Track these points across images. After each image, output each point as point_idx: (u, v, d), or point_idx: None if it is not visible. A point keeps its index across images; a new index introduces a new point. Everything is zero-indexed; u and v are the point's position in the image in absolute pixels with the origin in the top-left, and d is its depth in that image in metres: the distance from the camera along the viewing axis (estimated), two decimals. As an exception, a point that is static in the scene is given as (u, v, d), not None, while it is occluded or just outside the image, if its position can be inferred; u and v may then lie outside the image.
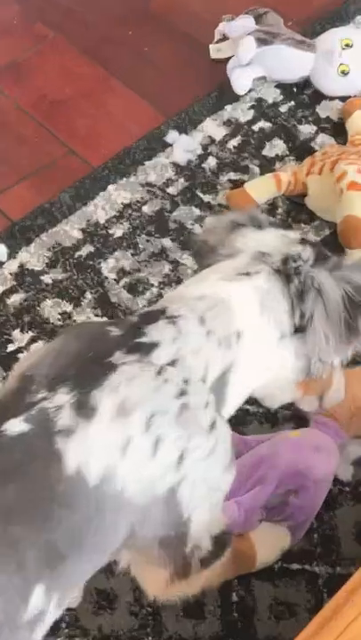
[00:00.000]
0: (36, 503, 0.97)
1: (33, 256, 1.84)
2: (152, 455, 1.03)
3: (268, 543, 1.43)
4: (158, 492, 1.04)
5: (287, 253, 1.16)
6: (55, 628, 1.38)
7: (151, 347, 1.08)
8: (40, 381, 1.04)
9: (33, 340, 1.72)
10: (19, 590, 0.96)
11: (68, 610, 1.40)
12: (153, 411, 1.03)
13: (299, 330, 1.15)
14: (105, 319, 1.73)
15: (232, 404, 1.16)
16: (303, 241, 1.20)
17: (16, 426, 1.00)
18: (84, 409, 1.01)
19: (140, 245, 1.86)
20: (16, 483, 0.98)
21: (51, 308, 1.76)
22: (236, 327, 1.12)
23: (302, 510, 1.46)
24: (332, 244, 1.83)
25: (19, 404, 1.02)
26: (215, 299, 1.12)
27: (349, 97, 2.07)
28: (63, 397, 1.02)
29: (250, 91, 2.11)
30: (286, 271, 1.14)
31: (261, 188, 1.89)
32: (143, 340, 1.08)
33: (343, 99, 2.08)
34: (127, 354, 1.06)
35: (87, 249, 1.85)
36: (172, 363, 1.07)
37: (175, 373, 1.06)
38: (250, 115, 2.08)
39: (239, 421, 1.57)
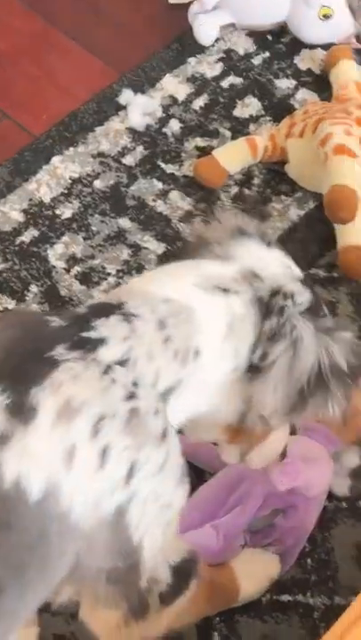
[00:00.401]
0: None
1: (-34, 244, 1.82)
2: (100, 467, 1.02)
3: (253, 573, 1.43)
4: (104, 514, 1.03)
5: (281, 287, 1.15)
6: None
7: (98, 342, 1.07)
8: None
9: (-31, 344, 1.69)
10: None
11: (21, 661, 1.40)
12: (101, 414, 1.03)
13: (251, 370, 1.14)
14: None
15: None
16: (305, 282, 1.19)
17: None
18: (21, 411, 1.01)
19: (94, 227, 1.84)
20: None
21: (-11, 305, 1.75)
22: (195, 344, 1.11)
23: (292, 532, 1.46)
24: (317, 219, 1.84)
25: None
26: (181, 306, 1.12)
27: (333, 44, 2.06)
28: None
29: (216, 41, 2.11)
30: (270, 305, 1.14)
31: (234, 156, 1.88)
32: (90, 334, 1.08)
33: (326, 47, 2.08)
34: (70, 350, 1.06)
35: (30, 233, 1.83)
36: (121, 363, 1.07)
37: (123, 373, 1.06)
38: (218, 69, 2.08)
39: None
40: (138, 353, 1.08)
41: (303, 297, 1.16)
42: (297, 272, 1.20)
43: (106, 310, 1.11)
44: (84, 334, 1.08)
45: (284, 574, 1.45)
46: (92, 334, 1.08)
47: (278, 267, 1.18)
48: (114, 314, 1.10)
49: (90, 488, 1.02)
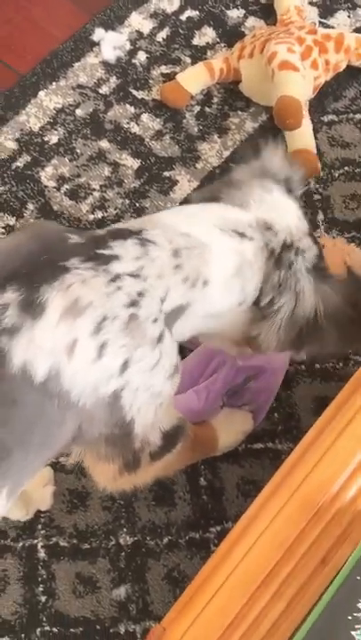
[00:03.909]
0: None
1: (-31, 172, 1.82)
2: (97, 358, 1.03)
3: (230, 428, 1.47)
4: (102, 396, 1.05)
5: (293, 242, 1.15)
6: (32, 530, 1.44)
7: (111, 258, 1.06)
8: None
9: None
10: None
11: (42, 512, 1.45)
12: (104, 315, 1.03)
13: (259, 311, 1.16)
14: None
15: (177, 336, 1.16)
16: (313, 235, 1.18)
17: None
18: (31, 306, 1.01)
19: (78, 150, 1.84)
20: None
21: (-7, 223, 1.76)
22: (205, 275, 1.11)
23: (262, 393, 1.50)
24: (269, 129, 1.83)
25: None
26: (198, 241, 1.11)
27: (276, -25, 2.03)
28: (11, 295, 1.01)
29: (175, -22, 2.07)
30: (281, 258, 1.14)
31: (194, 79, 1.87)
32: (105, 251, 1.07)
33: (270, -21, 2.04)
34: (84, 262, 1.05)
35: (24, 159, 1.83)
36: (131, 275, 1.06)
37: (130, 283, 1.05)
38: (176, 4, 2.04)
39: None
40: (148, 272, 1.07)
41: (311, 252, 1.16)
42: (306, 224, 1.18)
43: (124, 234, 1.10)
44: (99, 251, 1.06)
45: (257, 427, 1.50)
46: (107, 252, 1.06)
47: (293, 219, 1.16)
48: (131, 237, 1.09)
49: (88, 374, 1.03)
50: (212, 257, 1.11)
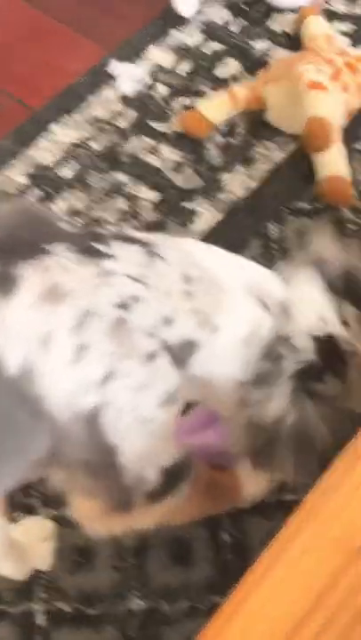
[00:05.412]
0: None
1: (-22, 207, 1.72)
2: (74, 361, 0.90)
3: (256, 476, 1.30)
4: (80, 410, 0.91)
5: (291, 337, 0.98)
6: (30, 592, 1.29)
7: (105, 255, 0.92)
8: None
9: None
10: None
11: (42, 572, 1.30)
12: (88, 309, 0.89)
13: None
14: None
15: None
16: (324, 343, 1.00)
17: None
18: (4, 282, 0.88)
19: (93, 184, 1.74)
20: None
21: (2, 259, 1.65)
22: (216, 321, 0.96)
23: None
24: (299, 158, 1.73)
25: None
26: (218, 284, 0.96)
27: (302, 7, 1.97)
28: None
29: (197, 13, 2.01)
30: (272, 348, 0.98)
31: (216, 107, 1.78)
32: (100, 247, 0.93)
33: (296, 11, 1.98)
34: (70, 251, 0.92)
35: (36, 194, 1.73)
36: (130, 277, 0.92)
37: (125, 283, 0.91)
38: (199, 38, 1.98)
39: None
40: (153, 282, 0.92)
41: (305, 356, 0.98)
42: (330, 328, 1.00)
43: (130, 240, 0.96)
44: (94, 244, 0.93)
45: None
46: (103, 248, 0.93)
47: (312, 316, 1.00)
48: (138, 245, 0.95)
49: (64, 379, 0.90)
50: (228, 307, 0.96)
